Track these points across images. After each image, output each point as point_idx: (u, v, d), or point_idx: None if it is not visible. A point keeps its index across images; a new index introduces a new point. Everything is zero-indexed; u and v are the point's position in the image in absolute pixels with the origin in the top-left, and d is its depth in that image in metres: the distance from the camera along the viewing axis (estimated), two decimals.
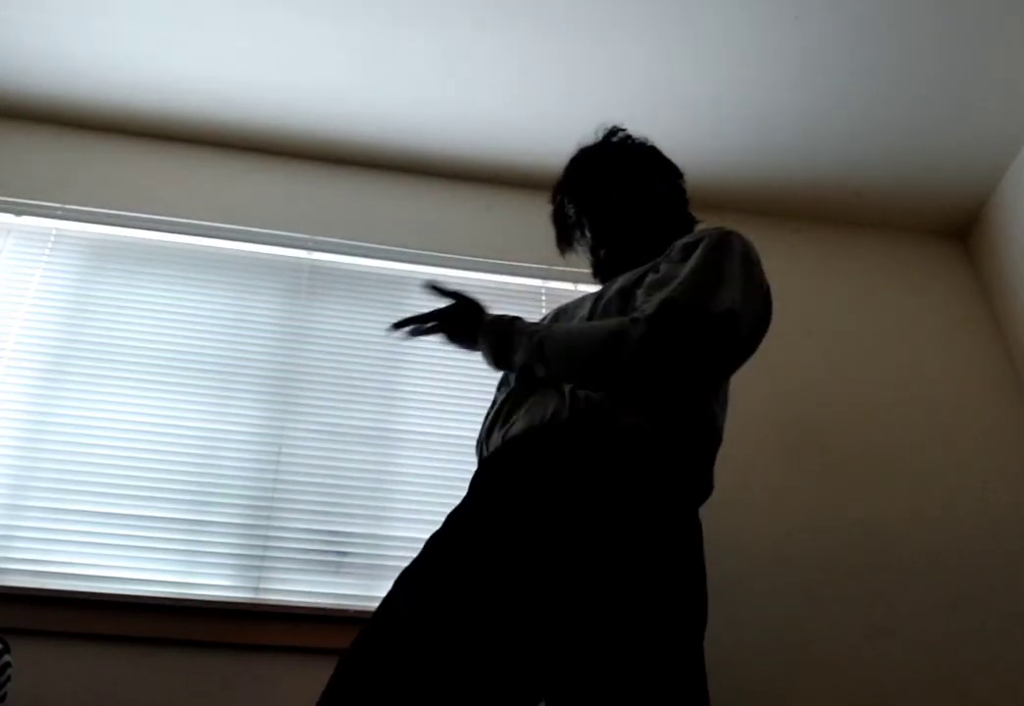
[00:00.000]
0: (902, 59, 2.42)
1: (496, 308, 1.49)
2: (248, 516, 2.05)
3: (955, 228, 2.91)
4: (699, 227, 1.54)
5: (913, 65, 2.43)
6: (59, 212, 2.42)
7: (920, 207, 2.85)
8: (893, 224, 2.91)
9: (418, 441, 2.23)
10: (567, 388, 1.24)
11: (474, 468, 1.32)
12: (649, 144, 1.66)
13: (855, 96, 2.52)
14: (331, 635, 1.64)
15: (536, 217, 2.71)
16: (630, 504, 1.13)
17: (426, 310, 1.44)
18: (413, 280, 2.50)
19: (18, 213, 2.40)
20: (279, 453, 2.14)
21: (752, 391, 2.43)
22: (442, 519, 1.19)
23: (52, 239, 2.39)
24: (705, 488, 1.31)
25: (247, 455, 2.13)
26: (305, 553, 2.03)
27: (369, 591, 2.00)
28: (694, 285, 1.27)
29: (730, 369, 1.38)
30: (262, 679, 1.81)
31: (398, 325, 1.43)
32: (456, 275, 2.53)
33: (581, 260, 2.61)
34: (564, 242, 1.63)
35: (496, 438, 1.27)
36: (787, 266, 2.74)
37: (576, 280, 2.59)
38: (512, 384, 1.35)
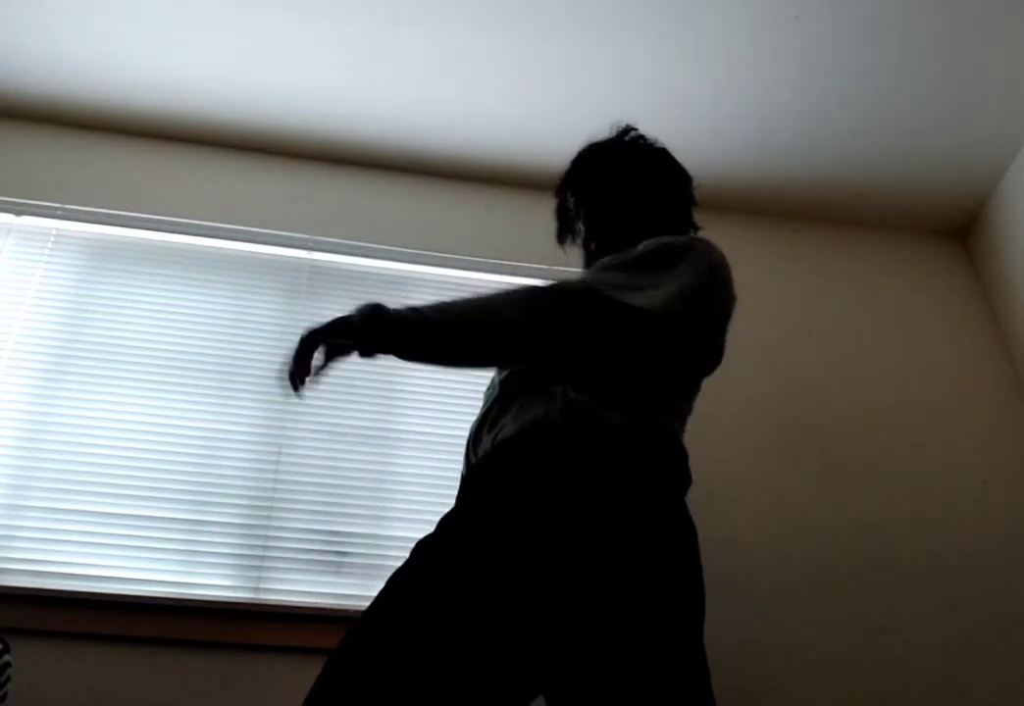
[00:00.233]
0: (902, 59, 2.42)
1: None
2: (248, 516, 2.05)
3: (955, 228, 2.91)
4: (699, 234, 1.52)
5: (913, 65, 2.43)
6: (59, 212, 2.42)
7: (920, 207, 2.85)
8: (893, 224, 2.91)
9: (418, 441, 2.23)
10: (558, 390, 1.23)
11: None
12: (661, 146, 1.65)
13: (855, 96, 2.52)
14: (331, 635, 1.64)
15: (536, 217, 2.71)
16: (622, 502, 1.13)
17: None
18: (413, 280, 2.50)
19: (18, 213, 2.40)
20: (279, 453, 2.14)
21: (752, 391, 2.44)
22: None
23: (52, 239, 2.39)
24: (686, 481, 1.32)
25: (247, 455, 2.13)
26: (305, 553, 2.03)
27: (369, 591, 1.99)
28: (626, 277, 1.27)
29: (674, 371, 1.36)
30: (262, 679, 1.81)
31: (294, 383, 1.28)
32: (456, 275, 2.53)
33: (580, 259, 2.62)
34: (566, 234, 1.62)
35: (486, 442, 1.27)
36: (787, 266, 2.75)
37: None
38: (497, 387, 1.34)
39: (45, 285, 2.30)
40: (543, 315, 1.21)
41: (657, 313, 1.23)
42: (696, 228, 1.61)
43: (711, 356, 1.37)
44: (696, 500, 2.20)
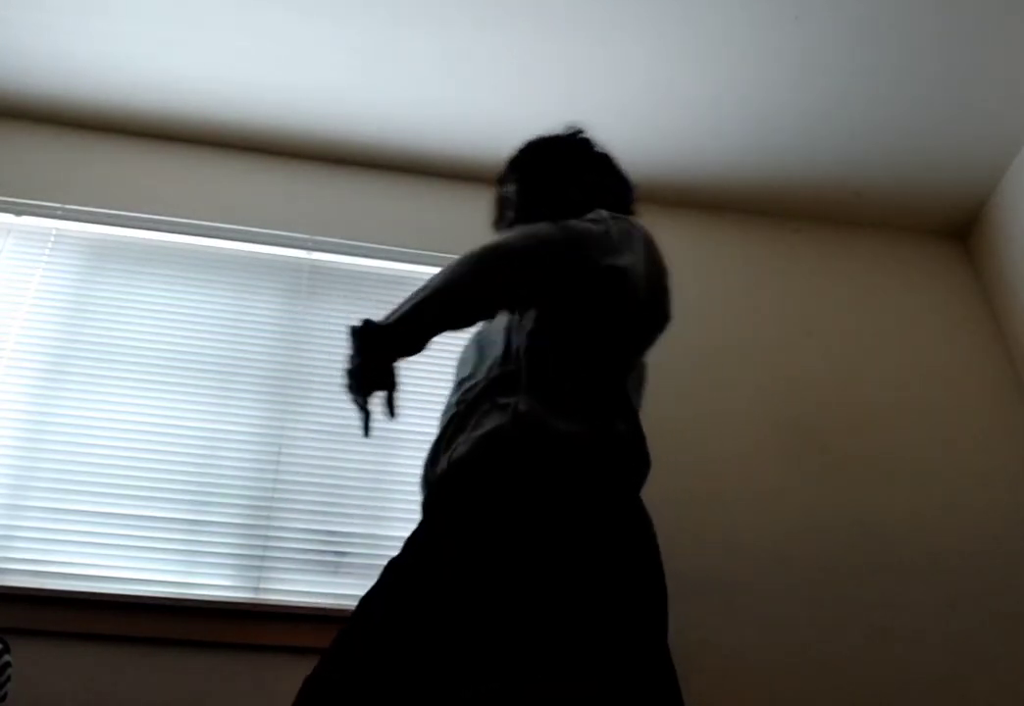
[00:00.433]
0: (902, 59, 2.42)
1: None
2: (248, 516, 2.05)
3: (955, 228, 2.91)
4: None
5: (913, 65, 2.43)
6: (59, 212, 2.42)
7: (920, 207, 2.85)
8: (893, 224, 2.91)
9: (418, 441, 2.23)
10: (511, 402, 1.25)
11: None
12: (607, 150, 1.67)
13: (855, 96, 2.52)
14: (331, 635, 1.64)
15: None
16: (576, 510, 1.15)
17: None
18: (413, 280, 2.50)
19: (18, 213, 2.40)
20: (279, 453, 2.14)
21: (752, 391, 2.44)
22: None
23: (52, 239, 2.39)
24: (640, 481, 1.35)
25: (247, 455, 2.13)
26: (305, 553, 2.03)
27: None
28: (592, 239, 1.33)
29: (624, 335, 1.38)
30: (262, 679, 1.81)
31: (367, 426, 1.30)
32: None
33: None
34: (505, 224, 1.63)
35: (443, 462, 1.27)
36: (787, 266, 2.75)
37: None
38: (453, 407, 1.35)
39: (45, 285, 2.30)
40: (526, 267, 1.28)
41: (628, 270, 1.33)
42: None
43: (660, 319, 1.47)
44: (696, 500, 2.21)
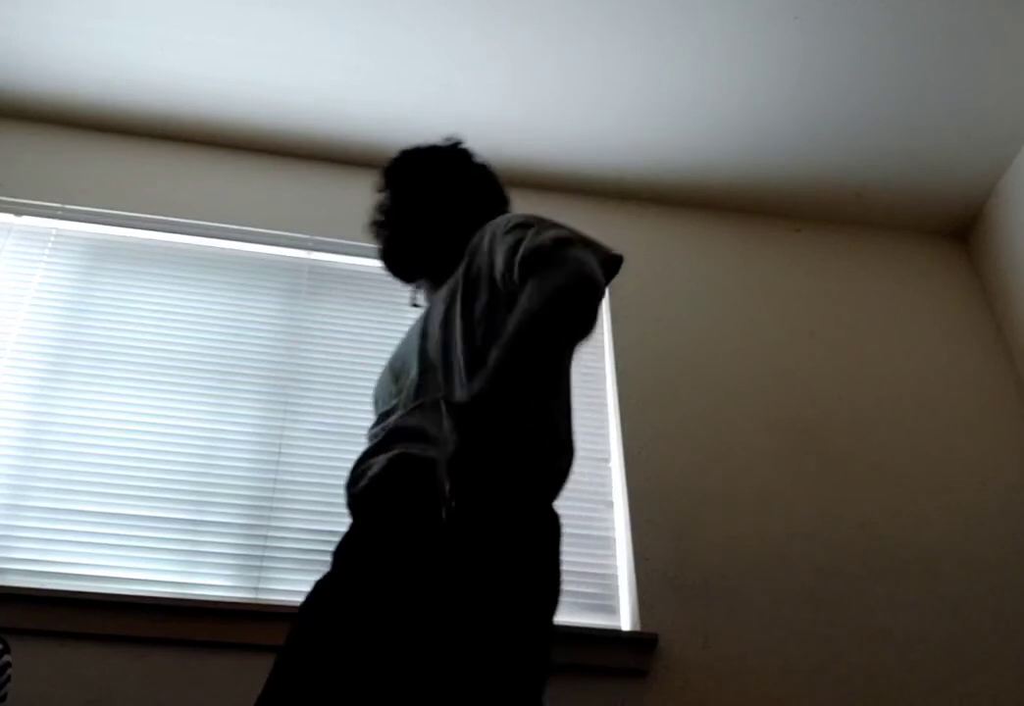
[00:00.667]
0: (902, 59, 2.42)
1: None
2: (248, 516, 2.05)
3: (955, 228, 2.91)
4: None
5: (913, 65, 2.44)
6: (59, 212, 2.42)
7: (920, 207, 2.85)
8: (893, 224, 2.91)
9: None
10: (394, 421, 1.28)
11: None
12: (486, 163, 1.69)
13: (855, 96, 2.52)
14: None
15: None
16: (481, 526, 1.15)
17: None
18: None
19: (18, 213, 2.40)
20: (279, 453, 2.14)
21: (752, 391, 2.44)
22: None
23: (52, 239, 2.39)
24: (556, 477, 1.31)
25: (247, 455, 2.13)
26: (305, 553, 2.03)
27: None
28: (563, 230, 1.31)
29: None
30: (262, 679, 1.81)
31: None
32: None
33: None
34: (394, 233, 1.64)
35: (363, 480, 1.30)
36: (787, 266, 2.75)
37: None
38: (375, 428, 1.37)
39: (45, 285, 2.30)
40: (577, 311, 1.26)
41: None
42: None
43: None
44: (696, 500, 2.21)
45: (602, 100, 2.55)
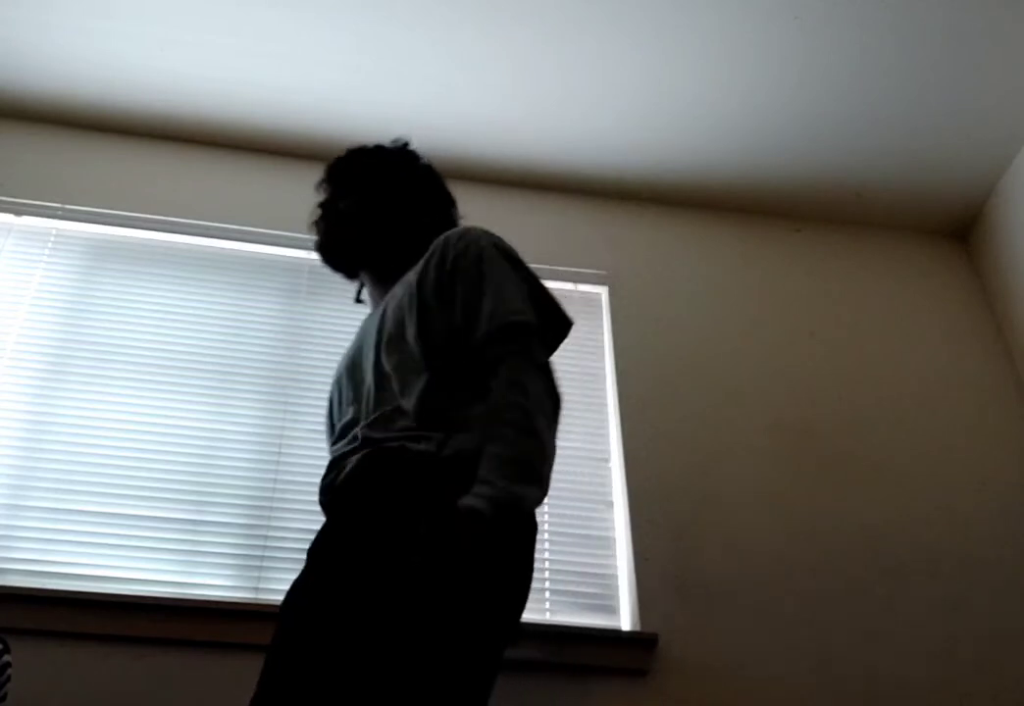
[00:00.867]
0: (902, 59, 2.42)
1: None
2: (248, 516, 2.05)
3: (955, 228, 2.91)
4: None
5: (913, 65, 2.44)
6: (59, 212, 2.42)
7: (920, 207, 2.85)
8: (893, 224, 2.91)
9: None
10: (359, 431, 1.30)
11: None
12: (431, 165, 1.71)
13: (855, 96, 2.52)
14: None
15: (535, 217, 2.72)
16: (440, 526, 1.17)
17: None
18: None
19: (18, 213, 2.40)
20: (279, 453, 2.14)
21: (752, 391, 2.44)
22: None
23: (52, 239, 2.39)
24: None
25: (247, 455, 2.13)
26: (305, 553, 2.02)
27: None
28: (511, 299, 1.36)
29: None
30: None
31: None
32: None
33: (581, 260, 2.62)
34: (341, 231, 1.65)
35: (340, 478, 1.33)
36: (787, 266, 2.76)
37: (576, 280, 2.59)
38: (339, 443, 1.39)
39: (45, 285, 2.30)
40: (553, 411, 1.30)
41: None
42: None
43: None
44: (696, 500, 2.21)
45: (602, 100, 2.55)
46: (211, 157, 2.63)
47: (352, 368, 1.46)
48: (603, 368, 2.45)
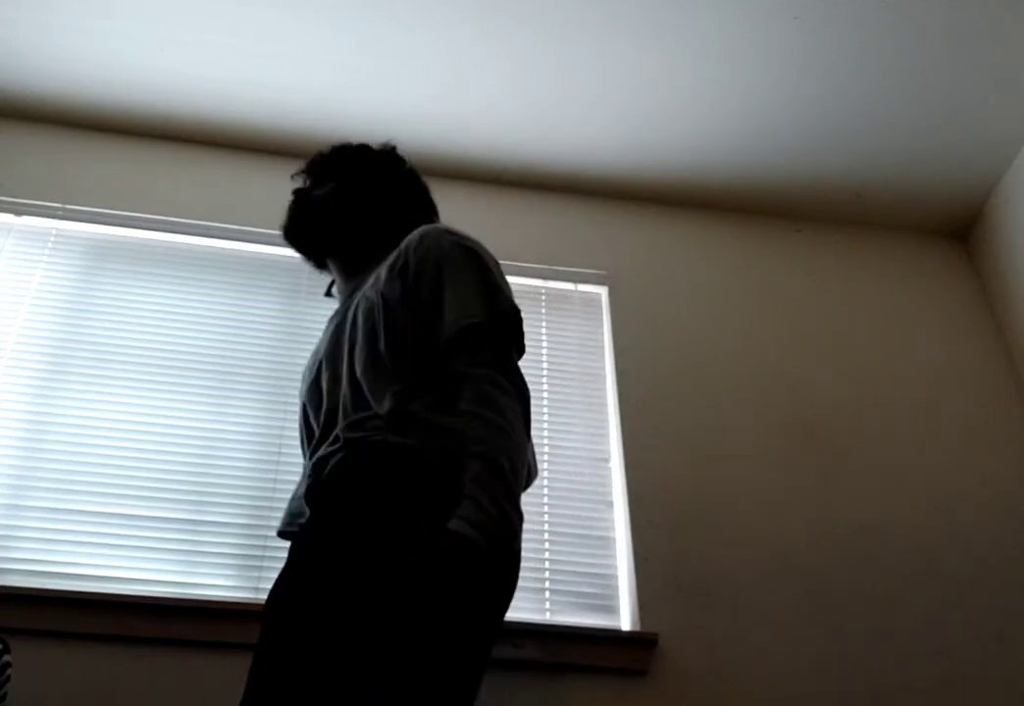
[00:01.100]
0: (902, 59, 2.42)
1: None
2: (248, 516, 2.05)
3: (955, 228, 2.91)
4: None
5: (913, 65, 2.44)
6: (59, 212, 2.42)
7: (920, 207, 2.85)
8: (893, 224, 2.91)
9: None
10: (340, 433, 1.31)
11: None
12: (415, 170, 1.75)
13: (855, 96, 2.52)
14: None
15: (535, 217, 2.72)
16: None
17: None
18: None
19: (18, 213, 2.40)
20: (279, 453, 2.14)
21: (751, 392, 2.44)
22: None
23: (52, 239, 2.39)
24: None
25: (247, 455, 2.13)
26: None
27: None
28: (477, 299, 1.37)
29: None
30: None
31: None
32: None
33: (581, 260, 2.62)
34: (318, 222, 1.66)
35: (325, 471, 1.32)
36: (787, 266, 2.76)
37: (576, 280, 2.59)
38: (319, 430, 1.40)
39: (45, 285, 2.30)
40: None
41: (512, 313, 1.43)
42: None
43: None
44: (696, 500, 2.21)
45: (602, 100, 2.55)
46: (211, 157, 2.63)
47: (325, 372, 1.46)
48: (603, 368, 2.45)
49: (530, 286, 2.56)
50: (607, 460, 2.28)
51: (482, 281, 1.39)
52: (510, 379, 1.30)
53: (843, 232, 2.88)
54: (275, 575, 2.00)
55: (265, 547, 2.01)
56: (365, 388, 1.33)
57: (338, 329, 1.48)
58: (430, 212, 1.72)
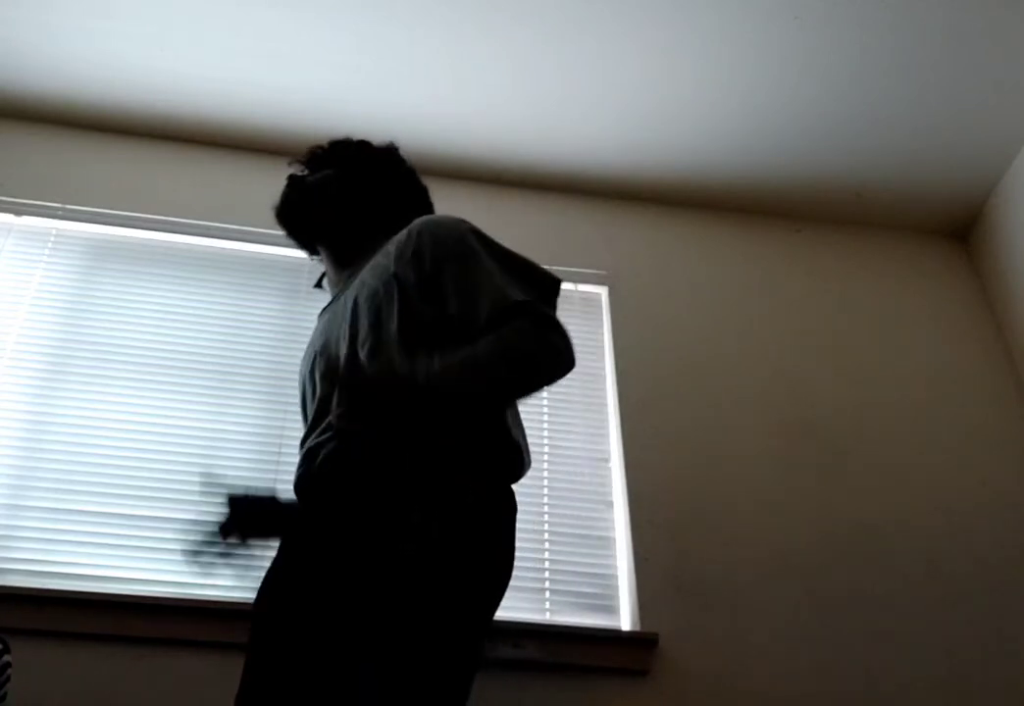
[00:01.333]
0: (902, 59, 2.42)
1: None
2: None
3: (955, 228, 2.91)
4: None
5: (913, 65, 2.44)
6: (59, 212, 2.42)
7: (920, 207, 2.85)
8: (893, 224, 2.91)
9: None
10: (333, 420, 1.31)
11: None
12: (414, 170, 1.76)
13: (855, 96, 2.52)
14: None
15: (535, 217, 2.72)
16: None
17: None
18: None
19: (18, 213, 2.40)
20: (279, 453, 2.14)
21: (752, 391, 2.44)
22: None
23: (52, 239, 2.39)
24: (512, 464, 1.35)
25: (247, 455, 2.13)
26: None
27: None
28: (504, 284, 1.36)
29: None
30: None
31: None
32: None
33: (581, 260, 2.62)
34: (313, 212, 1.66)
35: (317, 460, 1.32)
36: (787, 266, 2.76)
37: (576, 280, 2.59)
38: (310, 420, 1.40)
39: (45, 285, 2.30)
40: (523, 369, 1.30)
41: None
42: None
43: None
44: (696, 500, 2.21)
45: (602, 100, 2.55)
46: (211, 157, 2.63)
47: (323, 359, 1.44)
48: (603, 368, 2.44)
49: None
50: (607, 460, 2.28)
51: (513, 261, 1.41)
52: (550, 331, 1.29)
53: (843, 232, 2.88)
54: None
55: (265, 547, 2.01)
56: (367, 372, 1.32)
57: (331, 321, 1.48)
58: (428, 211, 1.72)
